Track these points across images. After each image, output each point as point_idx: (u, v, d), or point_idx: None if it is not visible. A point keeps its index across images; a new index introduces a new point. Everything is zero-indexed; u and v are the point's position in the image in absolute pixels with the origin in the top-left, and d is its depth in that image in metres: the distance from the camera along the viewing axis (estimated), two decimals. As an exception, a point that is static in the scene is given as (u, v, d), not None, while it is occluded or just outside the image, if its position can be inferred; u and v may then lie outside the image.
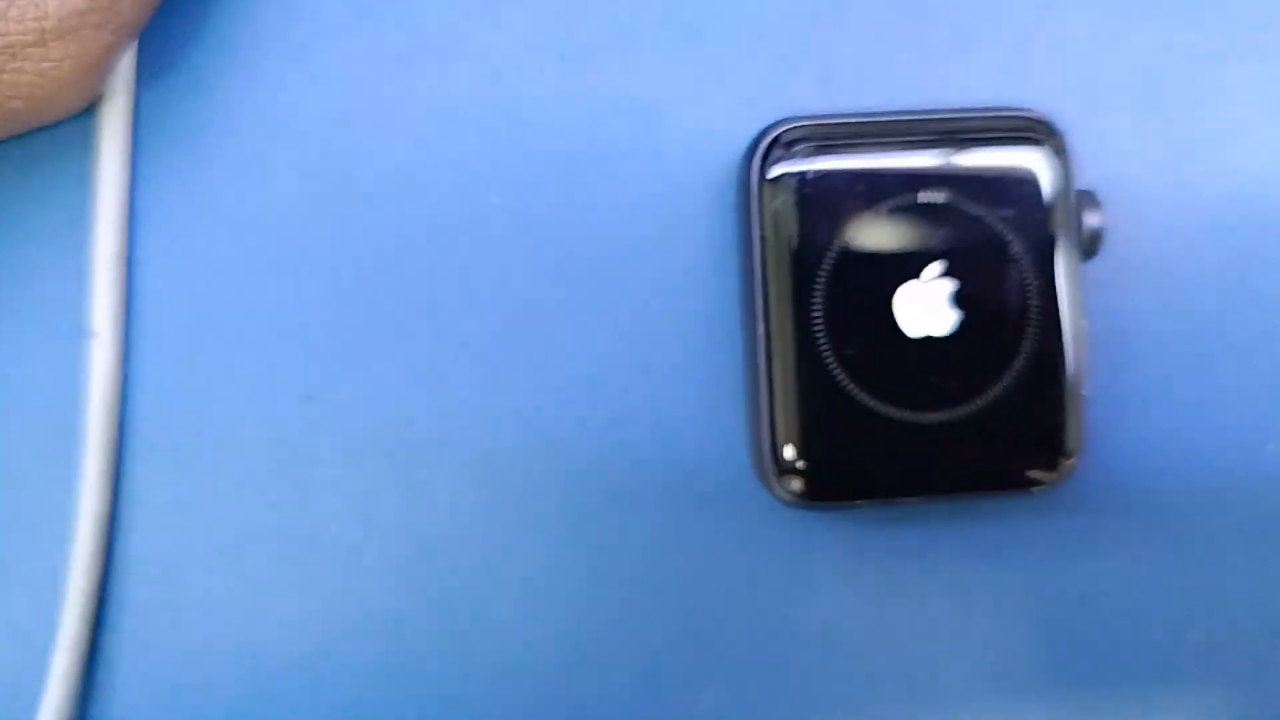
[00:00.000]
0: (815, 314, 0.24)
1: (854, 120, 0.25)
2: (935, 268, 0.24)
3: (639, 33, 0.27)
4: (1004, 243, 0.24)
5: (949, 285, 0.24)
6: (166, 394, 0.27)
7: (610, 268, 0.27)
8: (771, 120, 0.25)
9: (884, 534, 0.27)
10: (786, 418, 0.24)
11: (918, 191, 0.24)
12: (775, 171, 0.24)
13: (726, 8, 0.27)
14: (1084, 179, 0.27)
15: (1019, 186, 0.24)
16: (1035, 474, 0.25)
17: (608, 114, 0.27)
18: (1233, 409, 0.28)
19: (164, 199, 0.26)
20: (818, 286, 0.24)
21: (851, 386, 0.24)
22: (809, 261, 0.24)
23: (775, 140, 0.24)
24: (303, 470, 0.27)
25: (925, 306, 0.24)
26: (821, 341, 0.24)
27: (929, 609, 0.28)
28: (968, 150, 0.24)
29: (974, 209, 0.24)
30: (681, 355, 0.27)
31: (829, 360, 0.24)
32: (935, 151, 0.24)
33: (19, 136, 0.25)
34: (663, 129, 0.27)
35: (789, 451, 0.24)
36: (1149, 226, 0.28)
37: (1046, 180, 0.24)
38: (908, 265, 0.24)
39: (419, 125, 0.27)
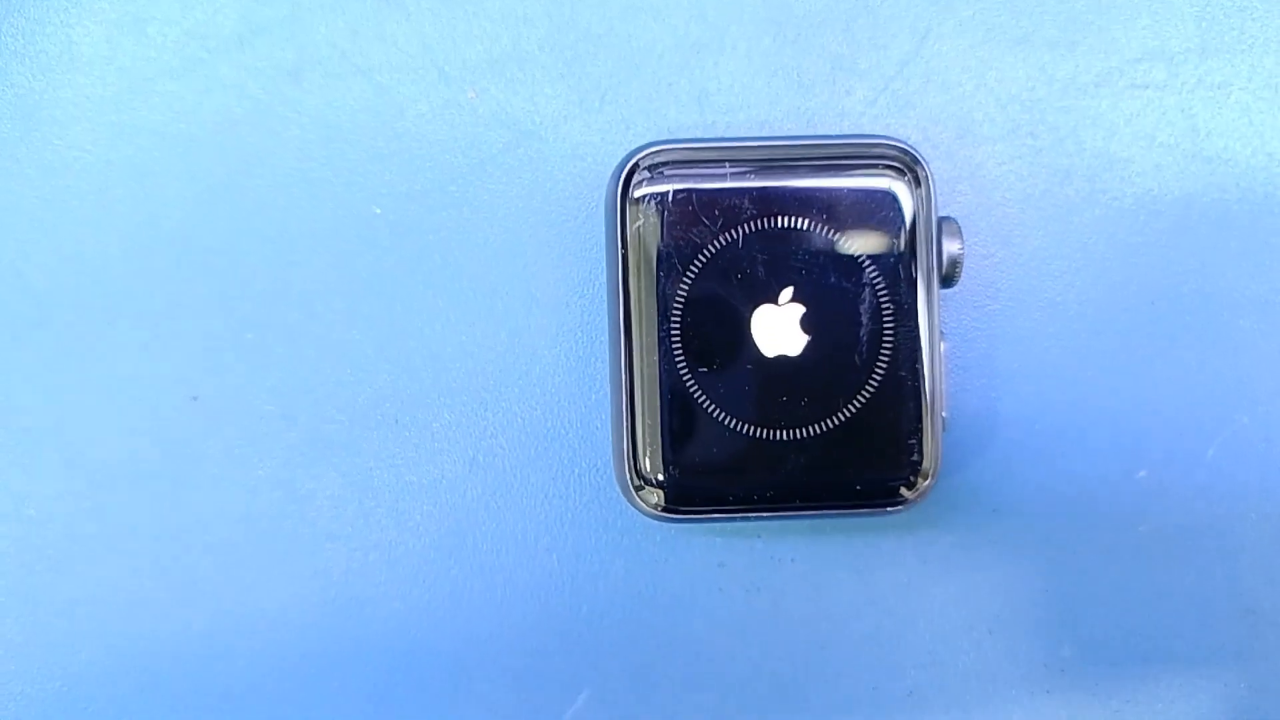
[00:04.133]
0: (674, 332, 0.25)
1: (718, 145, 0.25)
2: (792, 290, 0.25)
3: (521, 54, 0.27)
4: (860, 268, 0.25)
5: (805, 308, 0.25)
6: (57, 391, 0.27)
7: (488, 280, 0.28)
8: (647, 141, 0.26)
9: (751, 546, 0.28)
10: (645, 432, 0.25)
11: (778, 216, 0.25)
12: (638, 193, 0.25)
13: (607, 32, 0.27)
14: (959, 205, 0.28)
15: (879, 213, 0.25)
16: (892, 494, 0.26)
17: (489, 130, 0.27)
18: (1101, 430, 0.28)
19: (53, 200, 0.27)
20: (677, 305, 0.25)
21: (709, 404, 0.25)
22: (669, 281, 0.25)
23: (639, 162, 0.25)
24: (187, 468, 0.28)
25: (782, 328, 0.25)
26: (680, 359, 0.25)
27: (795, 620, 0.28)
28: (829, 176, 0.25)
29: (833, 234, 0.25)
30: (555, 367, 0.28)
31: (687, 378, 0.25)
32: (797, 177, 0.25)
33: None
34: (541, 147, 0.27)
35: (647, 465, 0.25)
36: (1021, 252, 0.28)
37: (906, 207, 0.25)
38: (766, 287, 0.25)
39: (306, 136, 0.27)
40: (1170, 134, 0.28)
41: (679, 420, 0.25)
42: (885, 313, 0.25)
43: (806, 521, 0.28)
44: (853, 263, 0.25)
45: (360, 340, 0.27)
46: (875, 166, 0.25)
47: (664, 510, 0.25)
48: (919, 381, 0.25)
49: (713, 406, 0.25)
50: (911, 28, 0.28)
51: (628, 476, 0.25)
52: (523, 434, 0.28)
